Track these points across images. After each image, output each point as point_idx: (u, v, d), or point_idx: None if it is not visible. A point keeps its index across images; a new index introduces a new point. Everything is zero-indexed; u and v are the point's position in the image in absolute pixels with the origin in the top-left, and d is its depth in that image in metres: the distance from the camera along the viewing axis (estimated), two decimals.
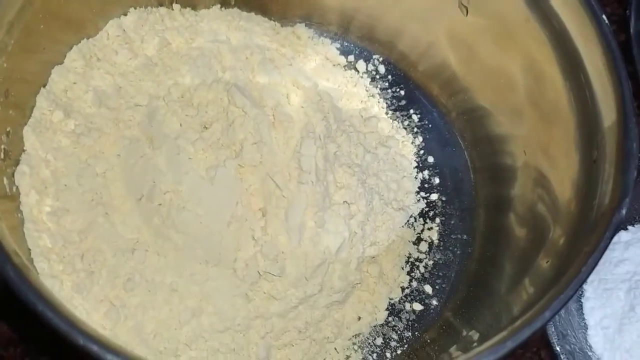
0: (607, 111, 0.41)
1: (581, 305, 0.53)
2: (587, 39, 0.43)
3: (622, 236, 0.50)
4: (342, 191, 0.54)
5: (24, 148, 0.48)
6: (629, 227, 0.58)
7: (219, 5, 0.60)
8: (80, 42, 0.53)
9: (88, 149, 0.50)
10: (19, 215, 0.46)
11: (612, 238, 0.36)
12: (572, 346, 0.50)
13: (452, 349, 0.50)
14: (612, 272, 0.53)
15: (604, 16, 0.42)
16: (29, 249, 0.45)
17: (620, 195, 0.37)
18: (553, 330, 0.51)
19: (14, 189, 0.46)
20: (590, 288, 0.52)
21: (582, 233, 0.40)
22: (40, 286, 0.36)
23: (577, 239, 0.41)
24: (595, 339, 0.51)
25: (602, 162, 0.41)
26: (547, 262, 0.44)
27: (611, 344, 0.51)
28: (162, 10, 0.58)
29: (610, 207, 0.37)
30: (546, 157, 0.52)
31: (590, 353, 0.51)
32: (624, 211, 0.36)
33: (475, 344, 0.44)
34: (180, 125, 0.52)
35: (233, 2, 0.61)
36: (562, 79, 0.47)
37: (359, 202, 0.54)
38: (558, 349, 0.50)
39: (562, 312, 0.51)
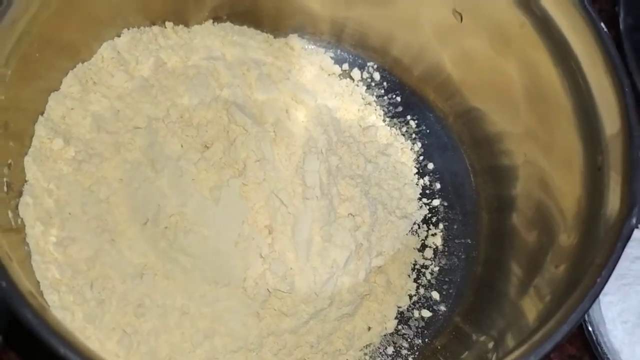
0: (610, 119, 0.42)
1: (598, 300, 0.53)
2: (587, 47, 0.44)
3: (636, 234, 0.50)
4: (346, 204, 0.54)
5: (26, 179, 0.47)
6: None
7: (211, 21, 0.60)
8: (75, 66, 0.52)
9: (90, 176, 0.49)
10: (26, 247, 0.45)
11: (624, 248, 0.37)
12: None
13: (465, 355, 0.50)
14: (629, 268, 0.53)
15: (602, 24, 0.42)
16: (38, 281, 0.45)
17: (629, 204, 0.37)
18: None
19: (19, 221, 0.46)
20: (608, 283, 0.52)
21: (592, 241, 0.41)
22: (58, 326, 0.36)
23: (589, 246, 0.42)
24: (614, 332, 0.52)
25: (607, 169, 0.41)
26: (556, 267, 0.44)
27: (630, 338, 0.51)
28: (155, 29, 0.57)
29: (619, 217, 0.38)
30: (547, 159, 0.52)
31: (609, 346, 0.51)
32: (634, 221, 0.37)
33: (490, 353, 0.44)
34: (182, 146, 0.52)
35: (225, 17, 0.61)
36: (561, 83, 0.48)
37: (363, 213, 0.54)
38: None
39: None
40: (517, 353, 0.35)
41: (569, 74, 0.47)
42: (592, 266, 0.37)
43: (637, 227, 0.57)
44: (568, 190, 0.47)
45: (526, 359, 0.34)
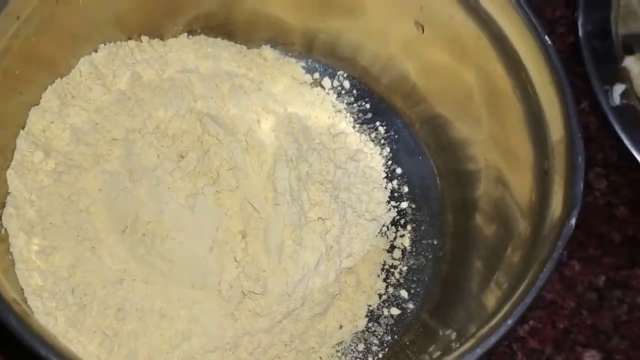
0: (555, 126, 0.45)
1: None
2: (534, 58, 0.47)
3: None
4: (316, 208, 0.56)
5: (9, 190, 0.50)
6: None
7: (185, 34, 0.63)
8: (54, 81, 0.54)
9: (70, 186, 0.52)
10: (10, 256, 0.48)
11: (564, 247, 0.40)
12: None
13: (431, 349, 0.53)
14: None
15: (546, 37, 0.46)
16: (22, 289, 0.47)
17: (569, 207, 0.40)
18: None
19: (3, 231, 0.48)
20: None
21: (540, 238, 0.44)
22: (41, 331, 0.38)
23: (537, 241, 0.45)
24: None
25: (552, 173, 0.44)
26: (513, 257, 0.47)
27: None
28: (131, 43, 0.59)
29: (560, 218, 0.41)
30: (505, 162, 0.55)
31: None
32: (573, 222, 0.40)
33: (453, 343, 0.47)
34: (158, 156, 0.54)
35: (200, 30, 0.63)
36: (514, 94, 0.51)
37: (333, 217, 0.57)
38: None
39: None
40: (465, 346, 0.38)
41: (520, 84, 0.50)
42: (536, 263, 0.40)
43: None
44: (522, 190, 0.50)
45: (473, 352, 0.37)
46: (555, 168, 0.44)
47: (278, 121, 0.58)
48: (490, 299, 0.49)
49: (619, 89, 0.69)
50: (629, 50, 0.71)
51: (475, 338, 0.38)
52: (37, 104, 0.53)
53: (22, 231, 0.48)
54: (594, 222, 0.65)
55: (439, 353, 0.51)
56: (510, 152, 0.54)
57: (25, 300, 0.46)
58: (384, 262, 0.61)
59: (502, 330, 0.38)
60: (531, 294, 0.38)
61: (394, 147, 0.66)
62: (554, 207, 0.43)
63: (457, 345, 0.46)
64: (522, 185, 0.50)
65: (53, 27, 0.53)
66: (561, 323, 0.61)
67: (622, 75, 0.69)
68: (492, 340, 0.37)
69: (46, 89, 0.54)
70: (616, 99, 0.68)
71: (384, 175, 0.64)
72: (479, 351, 0.37)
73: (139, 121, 0.55)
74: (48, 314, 0.46)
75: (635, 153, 0.65)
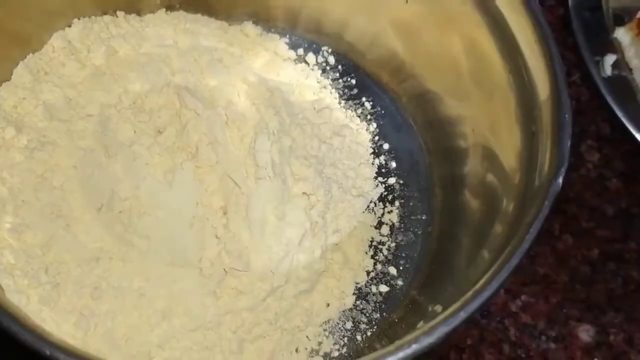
0: (542, 85, 0.43)
1: None
2: (519, 18, 0.45)
3: None
4: (300, 183, 0.55)
5: None
6: None
7: (164, 9, 0.61)
8: (26, 57, 0.53)
9: (43, 163, 0.50)
10: None
11: (550, 207, 0.38)
12: None
13: (419, 325, 0.52)
14: None
15: None
16: None
17: (556, 165, 0.39)
18: None
19: None
20: None
21: (527, 203, 0.42)
22: (10, 307, 0.37)
23: (523, 208, 0.43)
24: None
25: (539, 134, 0.43)
26: (498, 232, 0.46)
27: None
28: (107, 18, 0.58)
29: (547, 177, 0.39)
30: (492, 133, 0.54)
31: None
32: (560, 180, 0.38)
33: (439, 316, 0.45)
34: (134, 132, 0.53)
35: (178, 6, 0.62)
36: (500, 58, 0.49)
37: (317, 192, 0.55)
38: None
39: None
40: (450, 310, 0.37)
41: (506, 46, 0.48)
42: (522, 225, 0.38)
43: None
44: (510, 160, 0.48)
45: (457, 315, 0.36)
46: (542, 128, 0.43)
47: (259, 94, 0.57)
48: (475, 272, 0.48)
49: (610, 59, 0.67)
50: (620, 21, 0.70)
51: (460, 302, 0.37)
52: (8, 80, 0.52)
53: None
54: (587, 195, 0.63)
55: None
56: (497, 123, 0.52)
57: None
58: (372, 238, 0.59)
59: (487, 294, 0.36)
60: (517, 255, 0.37)
61: (381, 122, 0.64)
62: (541, 167, 0.41)
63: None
64: (510, 155, 0.49)
65: (24, 1, 0.51)
66: (554, 297, 0.59)
67: (613, 46, 0.68)
68: (476, 303, 0.36)
69: (17, 64, 0.53)
70: (607, 70, 0.67)
71: (371, 151, 0.63)
72: (462, 314, 0.35)
73: (115, 96, 0.53)
74: (20, 292, 0.45)
75: (627, 124, 0.63)
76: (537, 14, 0.44)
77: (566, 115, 0.40)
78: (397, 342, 0.36)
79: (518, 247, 0.37)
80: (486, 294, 0.36)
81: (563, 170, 0.39)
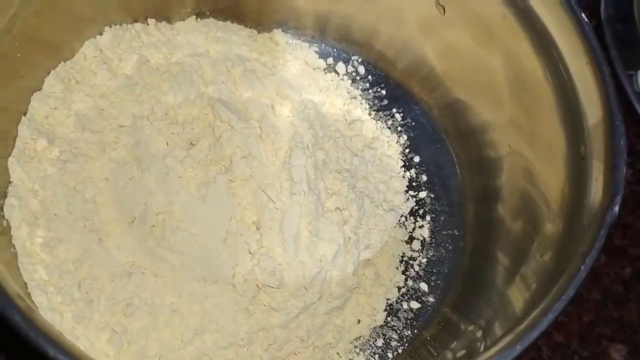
0: (592, 109, 0.42)
1: None
2: (568, 38, 0.44)
3: None
4: (333, 198, 0.54)
5: (10, 180, 0.47)
6: None
7: (194, 17, 0.60)
8: (57, 66, 0.52)
9: (75, 175, 0.49)
10: (12, 249, 0.45)
11: (606, 236, 0.37)
12: None
13: (454, 345, 0.51)
14: None
15: (583, 14, 0.43)
16: (25, 283, 0.44)
17: (612, 193, 0.38)
18: None
19: (4, 223, 0.46)
20: None
21: (576, 229, 0.41)
22: (46, 327, 0.36)
23: (573, 234, 0.42)
24: None
25: (590, 158, 0.42)
26: (541, 256, 0.45)
27: None
28: (138, 26, 0.57)
29: (602, 205, 0.38)
30: (532, 148, 0.53)
31: None
32: (616, 209, 0.37)
33: (478, 342, 0.44)
34: (167, 144, 0.52)
35: (208, 13, 0.61)
36: (543, 74, 0.48)
37: (350, 207, 0.54)
38: None
39: None
40: (504, 342, 0.36)
41: (551, 64, 0.47)
42: (576, 254, 0.37)
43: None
44: (552, 180, 0.47)
45: (512, 348, 0.35)
46: (593, 153, 0.42)
47: (293, 107, 0.56)
48: (516, 295, 0.47)
49: None
50: None
51: (513, 334, 0.36)
52: (39, 89, 0.51)
53: (25, 223, 0.46)
54: (620, 212, 0.62)
55: (463, 352, 0.48)
56: (538, 138, 0.51)
57: (29, 295, 0.44)
58: (403, 253, 0.58)
59: (544, 325, 0.35)
60: (573, 286, 0.36)
61: (412, 134, 0.63)
62: (594, 195, 0.40)
63: (482, 347, 0.43)
64: (552, 174, 0.48)
65: (55, 8, 0.51)
66: (587, 316, 0.58)
67: None
68: (533, 335, 0.35)
69: (49, 73, 0.52)
70: None
71: (402, 163, 0.62)
72: (519, 347, 0.34)
73: (147, 107, 0.52)
74: (53, 310, 0.44)
75: None
76: (588, 33, 0.43)
77: (622, 142, 0.39)
78: None
79: (573, 278, 0.36)
80: (542, 326, 0.35)
81: (619, 198, 0.38)
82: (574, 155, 0.44)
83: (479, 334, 0.46)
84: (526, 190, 0.52)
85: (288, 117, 0.55)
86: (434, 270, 0.58)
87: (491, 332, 0.43)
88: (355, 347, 0.55)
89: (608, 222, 0.37)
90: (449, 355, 0.50)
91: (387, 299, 0.56)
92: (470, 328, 0.50)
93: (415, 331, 0.56)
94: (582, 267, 0.36)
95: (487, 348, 0.40)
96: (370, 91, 0.64)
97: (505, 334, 0.37)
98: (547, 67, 0.48)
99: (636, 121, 0.64)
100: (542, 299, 0.37)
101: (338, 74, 0.64)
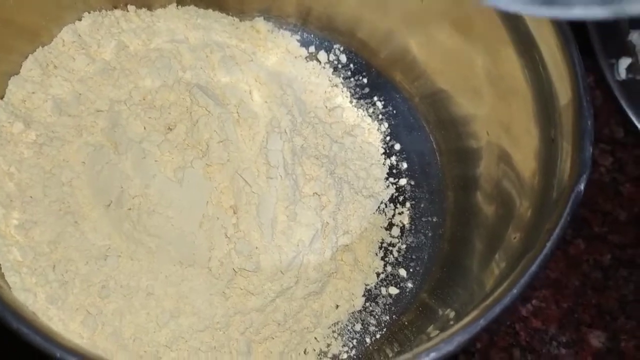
0: (562, 90, 0.43)
1: None
2: (540, 22, 0.44)
3: None
4: (311, 183, 0.54)
5: None
6: None
7: (175, 4, 0.60)
8: (35, 50, 0.52)
9: (52, 159, 0.49)
10: None
11: (572, 214, 0.37)
12: None
13: (430, 329, 0.51)
14: None
15: None
16: None
17: (579, 172, 0.38)
18: None
19: None
20: None
21: (545, 209, 0.41)
22: (13, 302, 0.36)
23: (542, 214, 0.42)
24: None
25: (560, 139, 0.42)
26: (514, 238, 0.45)
27: None
28: (117, 12, 0.57)
29: (569, 184, 0.38)
30: (508, 135, 0.53)
31: None
32: (582, 187, 0.37)
33: (451, 322, 0.45)
34: (144, 128, 0.52)
35: (189, 0, 0.61)
36: (518, 59, 0.48)
37: (329, 192, 0.54)
38: None
39: None
40: (469, 318, 0.36)
41: (525, 52, 0.47)
42: (543, 231, 0.38)
43: None
44: (525, 164, 0.48)
45: (476, 322, 0.35)
46: (562, 135, 0.42)
47: (271, 93, 0.56)
48: (490, 279, 0.47)
49: (624, 62, 0.66)
50: (636, 24, 0.69)
51: (478, 309, 0.36)
52: (17, 74, 0.51)
53: (0, 205, 0.46)
54: (599, 200, 0.63)
55: (437, 332, 0.48)
56: (513, 124, 0.52)
57: (2, 276, 0.44)
58: (382, 240, 0.58)
59: (507, 301, 0.35)
60: (537, 263, 0.36)
61: (393, 122, 0.63)
62: (562, 174, 0.41)
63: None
64: (525, 158, 0.48)
65: None
66: (565, 302, 0.59)
67: (628, 49, 0.67)
68: (496, 311, 0.35)
69: (27, 57, 0.52)
70: (622, 73, 0.66)
71: (382, 151, 0.62)
72: (482, 322, 0.35)
73: (125, 92, 0.53)
74: (27, 290, 0.44)
75: None
76: (559, 20, 0.43)
77: (589, 122, 0.40)
78: (416, 350, 0.35)
79: (539, 255, 0.36)
80: (506, 301, 0.35)
81: (585, 177, 0.38)
82: (546, 138, 0.45)
83: (452, 314, 0.46)
84: (501, 176, 0.52)
85: (266, 102, 0.55)
86: (413, 257, 0.58)
87: (463, 313, 0.43)
88: (334, 332, 0.55)
89: (574, 199, 0.37)
90: (425, 338, 0.50)
91: (366, 285, 0.57)
92: (447, 312, 0.51)
93: (394, 316, 0.56)
94: (548, 244, 0.36)
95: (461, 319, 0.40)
96: (352, 79, 0.65)
97: (471, 311, 0.37)
98: (521, 51, 0.48)
99: (616, 109, 0.64)
100: (508, 277, 0.37)
101: (320, 62, 0.64)
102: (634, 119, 0.64)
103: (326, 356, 0.54)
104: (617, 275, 0.60)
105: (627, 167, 0.65)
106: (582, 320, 0.58)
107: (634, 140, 0.64)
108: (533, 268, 0.36)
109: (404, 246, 0.59)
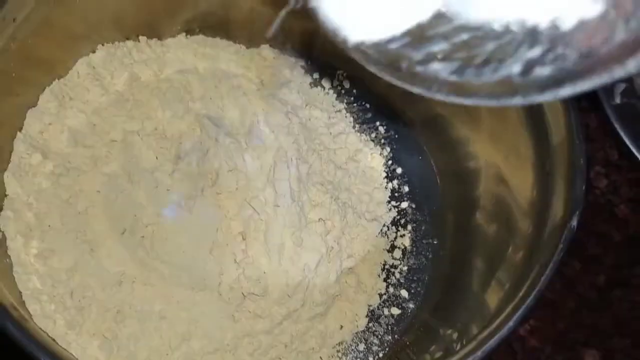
0: (557, 128, 0.45)
1: None
2: None
3: None
4: (316, 209, 0.56)
5: (6, 193, 0.49)
6: None
7: (184, 33, 0.62)
8: (52, 83, 0.54)
9: (68, 189, 0.51)
10: (7, 260, 0.47)
11: (565, 249, 0.39)
12: None
13: (432, 349, 0.53)
14: None
15: None
16: (20, 292, 0.47)
17: (570, 210, 0.40)
18: None
19: (0, 234, 0.48)
20: None
21: (542, 235, 0.43)
22: (37, 334, 0.38)
23: (539, 237, 0.44)
24: None
25: (554, 174, 0.44)
26: (515, 255, 0.47)
27: None
28: (129, 43, 0.59)
29: (562, 220, 0.41)
30: (505, 162, 0.55)
31: None
32: (574, 223, 0.40)
33: (454, 343, 0.47)
34: (156, 158, 0.54)
35: (198, 30, 0.63)
36: None
37: (333, 218, 0.57)
38: None
39: None
40: (466, 350, 0.38)
41: None
42: (537, 265, 0.40)
43: None
44: (523, 190, 0.50)
45: (473, 355, 0.37)
46: (556, 169, 0.44)
47: (278, 122, 0.58)
48: (492, 298, 0.49)
49: (619, 87, 0.68)
50: None
51: (477, 341, 0.38)
52: (34, 106, 0.53)
53: (20, 234, 0.48)
54: (595, 221, 0.65)
55: (440, 353, 0.50)
56: (511, 152, 0.54)
57: (23, 304, 0.46)
58: (385, 262, 0.60)
59: (504, 333, 0.37)
60: (533, 297, 0.38)
61: (394, 146, 0.65)
62: (556, 209, 0.43)
63: (458, 346, 0.46)
64: (523, 184, 0.50)
65: (51, 29, 0.53)
66: (561, 322, 0.61)
67: None
68: (494, 342, 0.37)
69: (44, 90, 0.54)
70: (617, 97, 0.68)
71: (384, 175, 0.64)
72: (480, 354, 0.37)
73: (137, 122, 0.55)
74: (47, 317, 0.46)
75: (635, 151, 0.65)
76: None
77: (581, 160, 0.42)
78: None
79: (535, 289, 0.38)
80: (503, 332, 0.37)
81: (577, 214, 0.40)
82: (541, 170, 0.47)
83: (455, 335, 0.48)
84: (501, 197, 0.54)
85: (273, 132, 0.57)
86: (415, 278, 0.60)
87: (467, 333, 0.45)
88: (338, 351, 0.57)
89: (566, 236, 0.40)
90: (428, 357, 0.52)
91: (369, 305, 0.59)
92: (449, 332, 0.52)
93: (396, 336, 0.58)
94: (542, 279, 0.38)
95: (462, 347, 0.42)
96: (355, 105, 0.67)
97: (470, 341, 0.39)
98: None
99: (611, 132, 0.66)
100: (506, 307, 0.39)
101: (324, 88, 0.66)
102: (628, 142, 0.66)
103: None
104: (612, 296, 0.62)
105: (621, 189, 0.67)
106: (577, 339, 0.60)
107: (628, 163, 0.66)
108: (529, 302, 0.38)
109: (405, 268, 0.61)
